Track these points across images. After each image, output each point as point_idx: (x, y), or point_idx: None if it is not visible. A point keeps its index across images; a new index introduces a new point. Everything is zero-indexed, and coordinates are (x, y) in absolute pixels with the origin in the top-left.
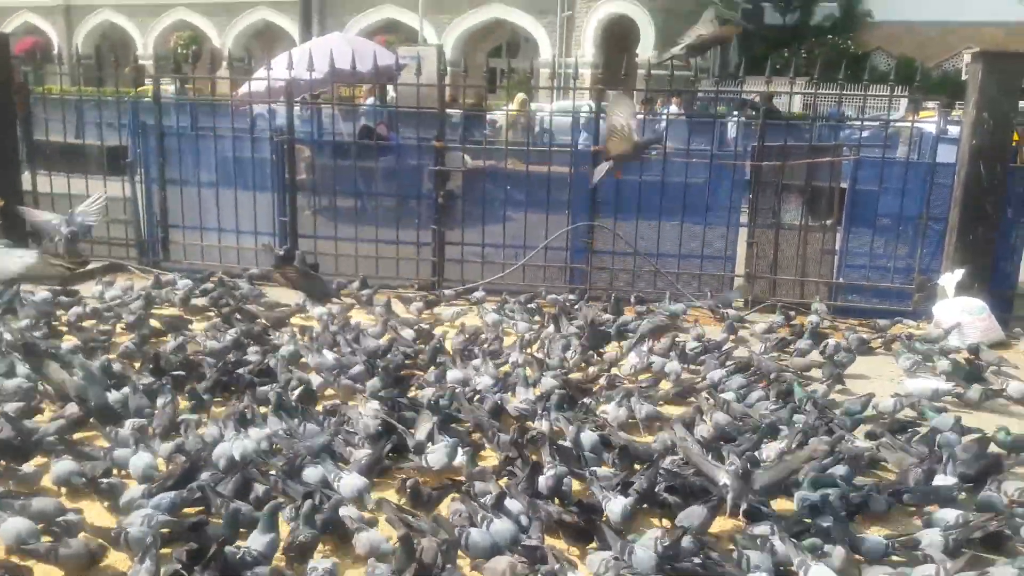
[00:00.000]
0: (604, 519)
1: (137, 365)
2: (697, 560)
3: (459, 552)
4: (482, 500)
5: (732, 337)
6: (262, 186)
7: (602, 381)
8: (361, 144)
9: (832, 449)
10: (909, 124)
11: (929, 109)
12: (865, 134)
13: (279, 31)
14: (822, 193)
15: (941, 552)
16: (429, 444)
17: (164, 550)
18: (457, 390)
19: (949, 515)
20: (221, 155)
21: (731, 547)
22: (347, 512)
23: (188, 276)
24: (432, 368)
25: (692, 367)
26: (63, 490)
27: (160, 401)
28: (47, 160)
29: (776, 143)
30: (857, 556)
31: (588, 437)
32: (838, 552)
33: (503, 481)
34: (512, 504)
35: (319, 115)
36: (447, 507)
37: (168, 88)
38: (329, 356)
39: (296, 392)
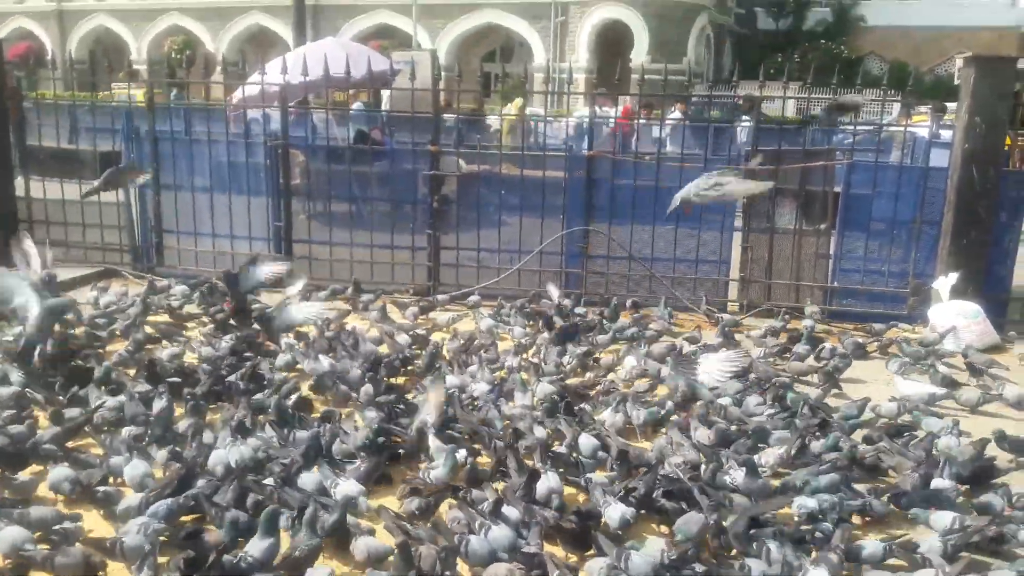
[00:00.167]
0: (602, 525)
1: (132, 372)
2: (699, 568)
3: (458, 559)
4: (480, 507)
5: (727, 342)
6: (256, 191)
7: (599, 387)
8: (356, 149)
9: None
10: (902, 129)
11: (922, 113)
12: (858, 138)
13: (273, 36)
14: (816, 197)
15: (939, 556)
16: (430, 457)
17: (162, 558)
18: (453, 395)
19: (945, 518)
20: (215, 160)
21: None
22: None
23: (183, 282)
24: (428, 374)
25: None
26: (59, 498)
27: (156, 408)
28: (40, 166)
29: (770, 148)
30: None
31: (587, 442)
32: (831, 558)
33: (499, 485)
34: (510, 511)
35: (312, 119)
36: (446, 514)
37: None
38: (324, 362)
39: (292, 398)
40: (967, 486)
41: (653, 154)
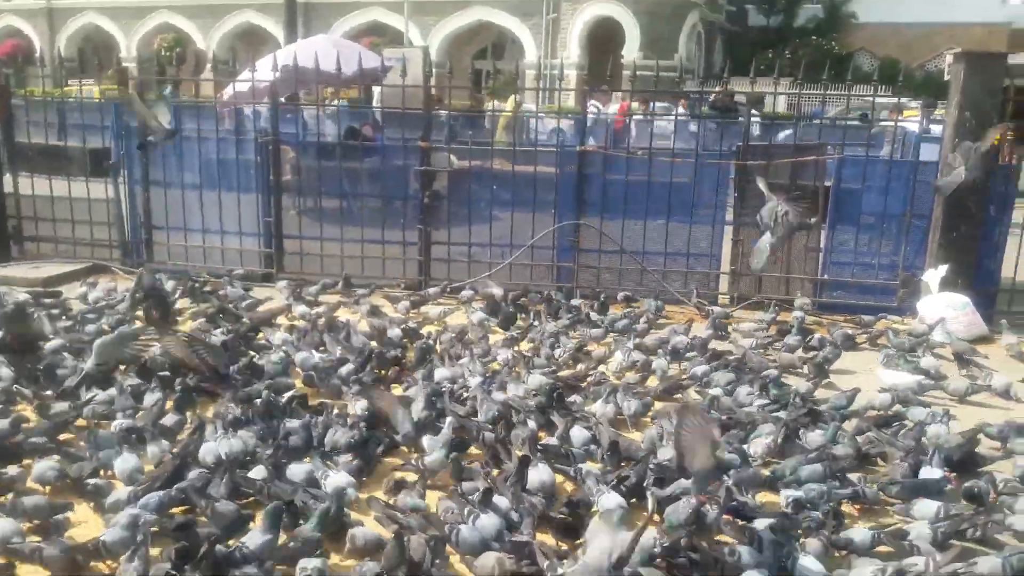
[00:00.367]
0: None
1: (123, 366)
2: (692, 554)
3: (451, 549)
4: (471, 497)
5: (719, 334)
6: (246, 187)
7: (590, 378)
8: (346, 145)
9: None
10: (892, 123)
11: (912, 109)
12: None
13: (264, 33)
14: (807, 191)
15: (928, 544)
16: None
17: (154, 550)
18: (444, 389)
19: (929, 507)
20: (205, 156)
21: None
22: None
23: (172, 277)
24: (420, 368)
25: (680, 363)
26: (47, 490)
27: (148, 401)
28: (29, 162)
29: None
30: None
31: (578, 433)
32: (815, 544)
33: (494, 473)
34: (500, 500)
35: (303, 116)
36: (437, 504)
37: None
38: (315, 355)
39: (286, 395)
40: (955, 473)
41: (644, 149)
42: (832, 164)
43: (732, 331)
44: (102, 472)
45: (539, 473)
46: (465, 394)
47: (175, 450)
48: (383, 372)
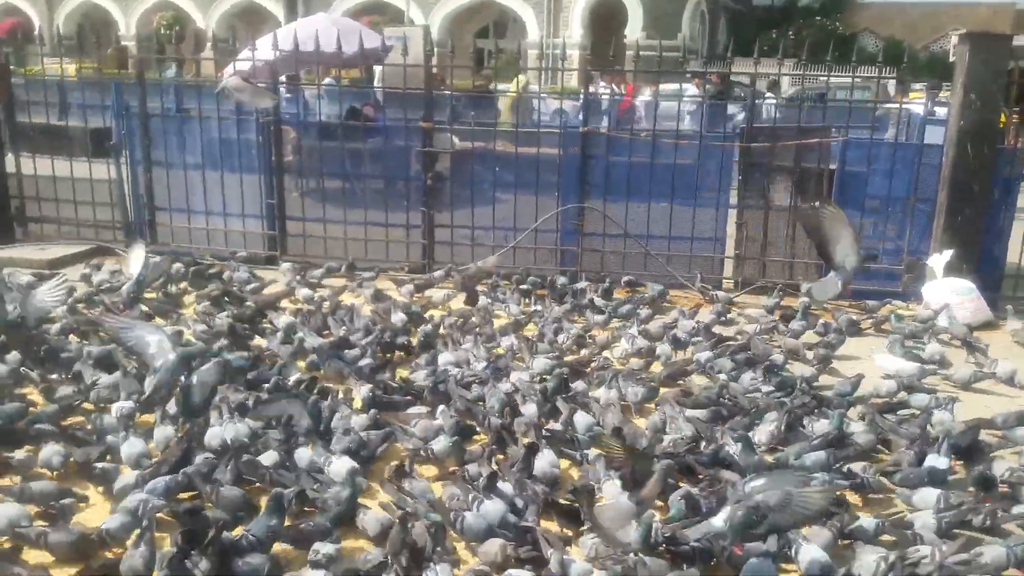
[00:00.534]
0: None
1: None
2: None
3: (455, 535)
4: (476, 483)
5: (723, 319)
6: (248, 168)
7: (594, 364)
8: (348, 125)
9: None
10: (897, 106)
11: (917, 91)
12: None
13: (264, 12)
14: (811, 175)
15: (933, 533)
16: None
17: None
18: (450, 373)
19: (931, 495)
20: (207, 137)
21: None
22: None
23: (176, 259)
24: (424, 352)
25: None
26: (55, 475)
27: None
28: (30, 142)
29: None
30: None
31: (583, 419)
32: (824, 534)
33: (499, 458)
34: (505, 486)
35: (304, 96)
36: (443, 491)
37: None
38: (317, 339)
39: (293, 378)
40: (961, 461)
41: (648, 131)
42: (837, 146)
43: (738, 316)
44: (108, 457)
45: (545, 459)
46: (471, 379)
47: (181, 435)
48: (389, 356)
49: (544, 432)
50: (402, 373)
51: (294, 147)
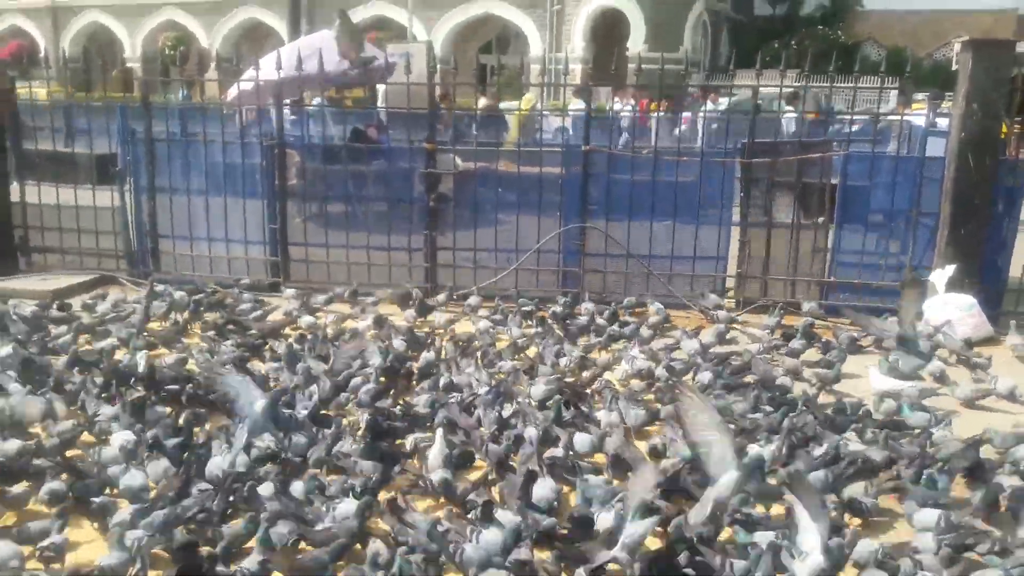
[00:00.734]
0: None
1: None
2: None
3: (454, 566)
4: (471, 514)
5: (724, 340)
6: (252, 193)
7: (595, 386)
8: (351, 147)
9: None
10: (899, 118)
11: (919, 101)
12: (855, 128)
13: (268, 30)
14: (813, 190)
15: (933, 556)
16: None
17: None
18: (451, 399)
19: (930, 516)
20: (211, 161)
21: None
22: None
23: (181, 288)
24: (425, 378)
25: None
26: (53, 510)
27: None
28: (35, 170)
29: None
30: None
31: (581, 440)
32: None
33: (496, 488)
34: (504, 515)
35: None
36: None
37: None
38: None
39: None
40: (964, 478)
41: (649, 148)
42: (838, 160)
43: (739, 333)
44: (108, 490)
45: (544, 487)
46: (472, 404)
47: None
48: (391, 382)
49: (546, 460)
50: (404, 398)
51: (298, 170)
